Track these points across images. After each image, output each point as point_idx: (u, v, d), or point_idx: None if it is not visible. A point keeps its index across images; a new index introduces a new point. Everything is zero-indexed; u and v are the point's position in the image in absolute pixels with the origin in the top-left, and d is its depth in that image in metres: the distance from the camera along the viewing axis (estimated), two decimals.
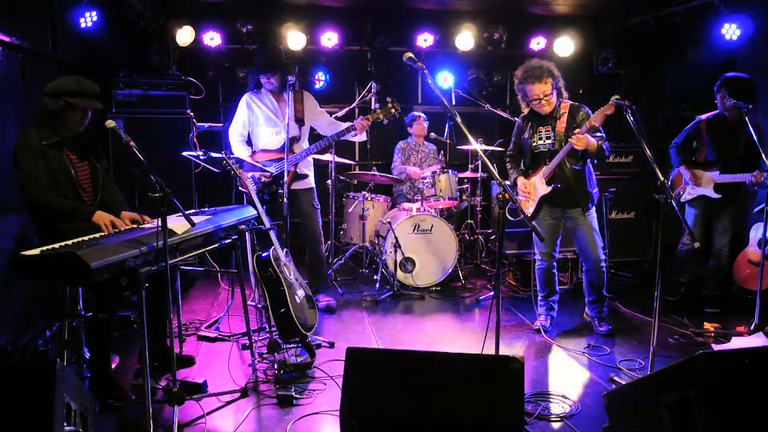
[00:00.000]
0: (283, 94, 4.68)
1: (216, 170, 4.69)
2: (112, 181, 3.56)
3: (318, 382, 3.49)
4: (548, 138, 4.12)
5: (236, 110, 4.79)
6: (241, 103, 4.77)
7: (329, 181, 5.75)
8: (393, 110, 4.67)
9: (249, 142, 4.82)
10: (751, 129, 4.04)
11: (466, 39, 6.42)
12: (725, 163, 4.56)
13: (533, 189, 4.23)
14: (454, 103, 6.39)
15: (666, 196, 3.18)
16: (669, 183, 4.87)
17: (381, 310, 4.93)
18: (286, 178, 4.56)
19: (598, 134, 3.96)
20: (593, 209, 4.16)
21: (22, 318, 3.85)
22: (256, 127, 4.73)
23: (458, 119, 3.20)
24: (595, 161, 4.17)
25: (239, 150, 4.73)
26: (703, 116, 4.71)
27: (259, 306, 4.15)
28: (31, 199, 3.15)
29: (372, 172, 5.95)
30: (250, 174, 4.57)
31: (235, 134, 4.77)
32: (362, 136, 4.94)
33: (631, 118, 3.34)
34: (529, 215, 4.22)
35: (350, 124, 4.67)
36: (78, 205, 3.21)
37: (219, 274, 5.51)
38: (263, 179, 4.58)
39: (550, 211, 4.25)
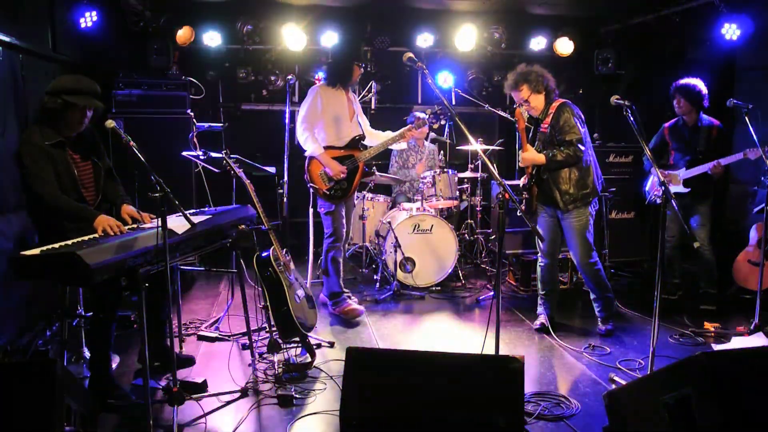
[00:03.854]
0: (350, 92, 4.66)
1: (216, 170, 4.68)
2: (115, 178, 3.57)
3: (318, 382, 3.50)
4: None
5: (308, 101, 4.53)
6: (316, 94, 4.53)
7: None
8: (441, 120, 4.83)
9: None
10: (750, 128, 4.12)
11: (466, 39, 6.42)
12: (689, 160, 4.81)
13: None
14: (454, 103, 6.39)
15: (666, 197, 3.18)
16: (646, 191, 5.13)
17: (381, 310, 4.93)
18: (285, 178, 4.56)
19: (569, 137, 3.97)
20: (580, 210, 4.08)
21: (22, 318, 3.85)
22: (324, 122, 4.55)
23: (458, 119, 3.21)
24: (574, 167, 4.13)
25: (313, 145, 4.49)
26: (666, 123, 5.04)
27: (259, 306, 4.15)
28: (41, 199, 3.14)
29: (370, 170, 5.94)
30: (321, 170, 4.49)
31: (310, 128, 4.51)
32: (402, 144, 4.94)
33: (631, 118, 3.34)
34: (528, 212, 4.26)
35: (400, 133, 4.69)
36: (85, 207, 3.22)
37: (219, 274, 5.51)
38: (341, 176, 4.50)
39: (546, 209, 4.26)
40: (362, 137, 4.68)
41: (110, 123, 3.04)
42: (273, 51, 6.42)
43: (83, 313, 3.72)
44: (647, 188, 5.10)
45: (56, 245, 2.74)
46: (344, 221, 4.70)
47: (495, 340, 2.97)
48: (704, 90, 4.70)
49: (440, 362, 2.59)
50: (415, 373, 2.52)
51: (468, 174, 6.08)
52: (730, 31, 5.21)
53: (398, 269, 5.31)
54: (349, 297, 4.83)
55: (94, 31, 5.12)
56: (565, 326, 4.47)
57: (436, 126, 4.95)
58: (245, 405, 3.20)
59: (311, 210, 4.84)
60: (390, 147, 4.83)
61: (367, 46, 6.60)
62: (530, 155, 4.08)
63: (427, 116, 4.76)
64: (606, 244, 5.51)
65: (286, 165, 4.62)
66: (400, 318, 4.76)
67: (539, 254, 4.39)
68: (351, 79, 4.61)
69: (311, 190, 4.62)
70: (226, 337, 4.14)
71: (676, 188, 4.81)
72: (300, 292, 3.79)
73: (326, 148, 4.53)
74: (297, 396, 3.27)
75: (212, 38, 6.04)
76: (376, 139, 4.81)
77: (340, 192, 4.54)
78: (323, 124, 4.54)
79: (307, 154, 4.53)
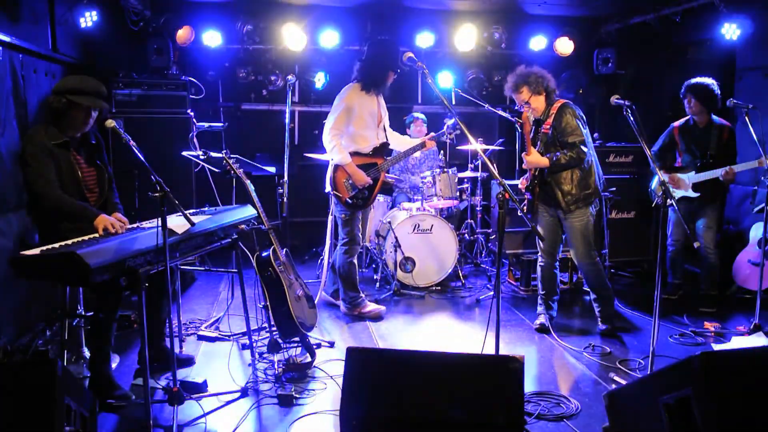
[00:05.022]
0: (379, 96, 4.58)
1: (216, 170, 4.68)
2: (114, 189, 3.57)
3: (318, 382, 3.50)
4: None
5: (341, 107, 4.39)
6: (351, 99, 4.39)
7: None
8: (457, 131, 4.93)
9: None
10: (750, 128, 4.11)
11: (466, 39, 6.42)
12: (699, 163, 4.72)
13: None
14: (454, 103, 6.38)
15: (666, 196, 3.18)
16: (651, 190, 5.09)
17: None
18: (285, 178, 4.55)
19: (572, 139, 3.97)
20: (582, 210, 4.09)
21: (22, 318, 3.85)
22: (354, 128, 4.46)
23: (458, 119, 3.21)
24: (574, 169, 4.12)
25: (340, 155, 4.37)
26: (676, 123, 4.92)
27: (259, 306, 4.15)
28: (41, 198, 3.14)
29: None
30: (346, 179, 4.44)
31: (339, 135, 4.40)
32: (418, 153, 4.95)
33: (631, 118, 3.34)
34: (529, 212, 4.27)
35: (420, 142, 4.71)
36: (86, 206, 3.22)
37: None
38: (366, 185, 4.46)
39: (547, 209, 4.27)
40: (387, 144, 4.66)
41: (110, 123, 3.05)
42: (273, 51, 6.41)
43: (83, 313, 3.71)
44: (653, 187, 5.06)
45: (56, 245, 2.74)
46: (360, 225, 4.69)
47: (495, 340, 2.97)
48: (717, 90, 4.59)
49: (440, 362, 2.59)
50: (415, 373, 2.52)
51: (468, 174, 6.09)
52: (730, 31, 5.21)
53: (398, 269, 5.31)
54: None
55: (94, 31, 5.11)
56: (565, 326, 4.47)
57: (452, 136, 4.99)
58: (245, 405, 3.20)
59: (331, 216, 4.83)
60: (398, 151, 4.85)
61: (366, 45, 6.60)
62: (534, 158, 4.07)
63: (447, 127, 4.77)
64: (606, 244, 5.51)
65: (286, 165, 4.61)
66: (400, 318, 4.76)
67: (539, 254, 4.39)
68: (386, 86, 4.52)
69: (333, 197, 4.59)
70: (226, 337, 4.14)
71: (686, 192, 4.75)
72: (300, 292, 3.79)
73: (352, 154, 4.46)
74: (297, 396, 3.27)
75: (212, 38, 6.03)
76: (397, 141, 4.80)
77: (361, 201, 4.53)
78: (353, 130, 4.46)
79: (333, 162, 4.47)
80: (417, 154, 5.01)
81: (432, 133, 4.85)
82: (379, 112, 4.60)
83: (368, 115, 4.48)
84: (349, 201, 4.49)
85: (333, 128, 4.40)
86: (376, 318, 4.62)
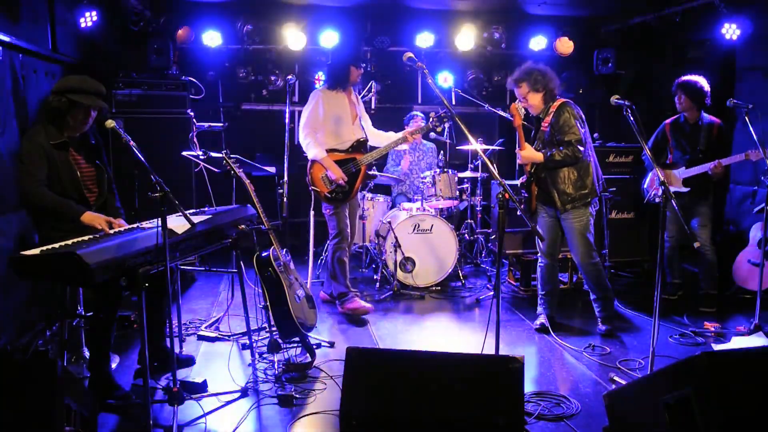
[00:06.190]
0: (353, 94, 4.67)
1: (216, 170, 4.68)
2: (114, 191, 3.58)
3: (318, 382, 3.50)
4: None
5: (310, 106, 4.54)
6: (317, 98, 4.55)
7: None
8: (445, 123, 4.85)
9: None
10: (750, 128, 4.11)
11: (466, 39, 6.43)
12: (689, 159, 4.79)
13: None
14: (454, 103, 6.38)
15: (666, 196, 3.18)
16: (644, 188, 5.13)
17: (381, 310, 4.92)
18: (285, 178, 4.56)
19: (568, 138, 3.97)
20: (580, 210, 4.08)
21: (22, 318, 3.85)
22: (326, 126, 4.55)
23: (458, 119, 3.21)
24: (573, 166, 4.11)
25: (315, 150, 4.49)
26: (667, 120, 4.99)
27: (259, 306, 4.16)
28: (24, 194, 3.16)
29: (372, 172, 5.93)
30: (323, 174, 4.49)
31: (312, 132, 4.51)
32: (404, 145, 4.96)
33: (631, 118, 3.34)
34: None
35: (403, 135, 4.68)
36: (70, 203, 3.21)
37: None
38: (342, 180, 4.49)
39: (546, 209, 4.27)
40: (365, 140, 4.68)
41: (110, 123, 3.05)
42: (273, 51, 6.42)
43: (83, 313, 3.72)
44: (645, 185, 5.10)
45: (56, 245, 2.74)
46: (348, 221, 4.71)
47: (495, 340, 2.97)
48: (706, 87, 4.67)
49: (440, 362, 2.60)
50: (414, 373, 2.53)
51: (468, 174, 6.08)
52: (730, 31, 5.21)
53: (398, 269, 5.31)
54: (357, 296, 4.82)
55: (94, 31, 5.11)
56: (565, 326, 4.47)
57: (439, 130, 4.98)
58: (245, 405, 3.20)
59: (312, 212, 4.84)
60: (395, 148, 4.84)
61: (367, 46, 6.60)
62: (528, 153, 4.11)
63: (431, 120, 4.75)
64: (606, 244, 5.51)
65: (286, 165, 4.62)
66: (400, 318, 4.76)
67: (539, 254, 4.39)
68: (349, 82, 4.60)
69: (313, 193, 4.62)
70: (226, 337, 4.14)
71: (676, 188, 4.79)
72: (300, 292, 3.79)
73: (328, 151, 4.52)
74: (297, 396, 3.27)
75: (212, 38, 6.03)
76: (378, 139, 4.81)
77: (341, 195, 4.54)
78: (325, 128, 4.54)
79: (309, 158, 4.53)
80: (405, 146, 4.98)
81: (408, 128, 4.84)
82: (353, 110, 4.65)
83: (341, 112, 4.56)
84: (329, 195, 4.51)
85: (306, 125, 4.51)
86: (359, 314, 4.61)
